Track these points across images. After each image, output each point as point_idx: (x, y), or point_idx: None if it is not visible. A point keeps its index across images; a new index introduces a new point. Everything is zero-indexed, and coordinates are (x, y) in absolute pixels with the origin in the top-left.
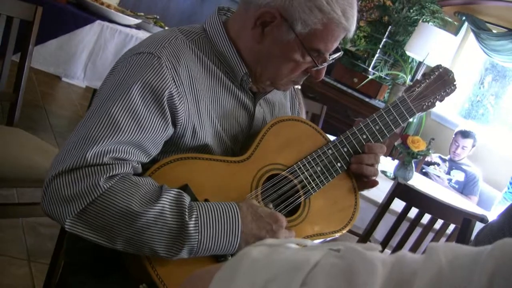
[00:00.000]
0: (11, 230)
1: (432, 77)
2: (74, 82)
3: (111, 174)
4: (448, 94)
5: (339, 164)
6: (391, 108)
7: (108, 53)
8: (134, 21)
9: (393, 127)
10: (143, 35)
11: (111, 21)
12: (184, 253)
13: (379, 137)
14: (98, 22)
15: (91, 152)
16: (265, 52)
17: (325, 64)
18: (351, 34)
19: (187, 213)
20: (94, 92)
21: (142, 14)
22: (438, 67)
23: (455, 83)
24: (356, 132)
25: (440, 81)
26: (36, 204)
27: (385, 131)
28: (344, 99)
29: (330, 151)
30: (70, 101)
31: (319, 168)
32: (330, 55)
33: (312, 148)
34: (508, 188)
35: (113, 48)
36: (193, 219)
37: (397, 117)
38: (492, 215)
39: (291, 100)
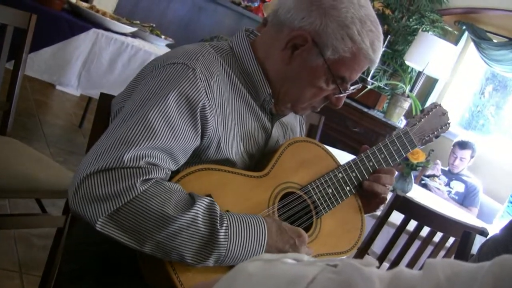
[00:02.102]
0: (2, 240)
1: (430, 113)
2: (68, 91)
3: (147, 177)
4: (443, 131)
5: (348, 188)
6: (395, 139)
7: (103, 61)
8: (129, 29)
9: (396, 157)
10: (138, 43)
11: (107, 29)
12: (211, 261)
13: (384, 165)
14: (93, 30)
15: (128, 154)
16: (292, 74)
17: (347, 93)
18: (374, 66)
19: (218, 221)
20: (89, 100)
21: (138, 22)
22: (435, 104)
23: (448, 121)
24: (364, 159)
25: (436, 119)
26: (29, 215)
27: (389, 160)
28: (343, 109)
29: (340, 174)
30: (64, 109)
31: (330, 190)
32: (350, 85)
33: (324, 170)
34: (511, 202)
35: (108, 56)
36: (223, 227)
37: (400, 148)
38: (493, 229)
39: (300, 125)
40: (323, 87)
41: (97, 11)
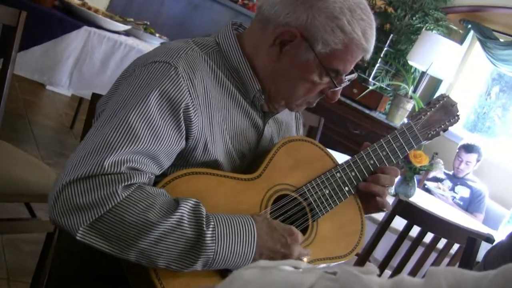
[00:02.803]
0: None
1: (437, 105)
2: (59, 91)
3: (128, 183)
4: (451, 124)
5: (346, 188)
6: (398, 135)
7: (95, 60)
8: (123, 27)
9: (399, 154)
10: (132, 42)
11: (99, 27)
12: (199, 265)
13: (386, 163)
14: (85, 28)
15: (109, 160)
16: (282, 71)
17: (342, 85)
18: (369, 55)
19: (204, 223)
20: (81, 101)
21: (132, 20)
22: (443, 96)
23: (458, 113)
24: (364, 157)
25: (444, 111)
26: (18, 220)
27: (391, 157)
28: (343, 111)
29: (338, 174)
30: (55, 110)
31: (327, 191)
32: (345, 76)
33: (321, 170)
34: None
35: (100, 55)
36: (210, 229)
37: (403, 144)
38: (500, 235)
39: (296, 120)
40: (317, 81)
41: (89, 8)
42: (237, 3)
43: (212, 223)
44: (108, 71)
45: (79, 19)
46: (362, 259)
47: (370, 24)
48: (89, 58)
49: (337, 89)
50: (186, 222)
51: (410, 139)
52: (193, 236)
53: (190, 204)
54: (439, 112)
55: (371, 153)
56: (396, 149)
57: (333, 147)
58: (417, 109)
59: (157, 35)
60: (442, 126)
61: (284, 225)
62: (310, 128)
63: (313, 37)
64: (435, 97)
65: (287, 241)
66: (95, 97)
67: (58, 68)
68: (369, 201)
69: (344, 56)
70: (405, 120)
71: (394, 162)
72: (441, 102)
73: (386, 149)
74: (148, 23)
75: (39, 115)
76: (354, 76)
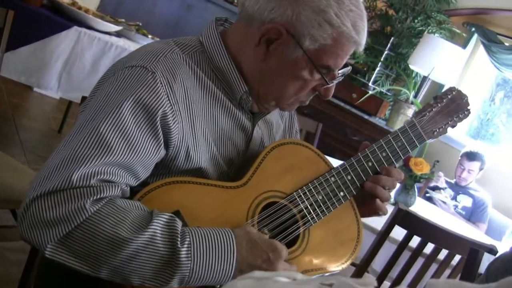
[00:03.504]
0: None
1: (444, 100)
2: (48, 93)
3: (98, 196)
4: (461, 120)
5: (342, 194)
6: (399, 134)
7: (85, 62)
8: (114, 28)
9: (401, 155)
10: (124, 43)
11: (89, 27)
12: (175, 283)
13: (386, 165)
14: (75, 28)
15: (77, 173)
16: (270, 71)
17: (335, 82)
18: (361, 48)
19: (179, 239)
20: (70, 104)
21: (123, 20)
22: (452, 89)
23: (468, 107)
24: (362, 159)
25: (453, 105)
26: (2, 227)
27: (392, 158)
28: (342, 116)
29: (333, 178)
30: (43, 114)
31: (320, 197)
32: (338, 70)
33: (314, 175)
34: None
35: (90, 57)
36: (185, 245)
37: (405, 143)
38: (503, 246)
39: (289, 120)
40: (308, 78)
41: (80, 8)
42: (233, 4)
43: (188, 239)
44: (99, 74)
45: (68, 19)
46: (360, 270)
47: (360, 15)
48: (79, 59)
49: (329, 85)
50: (159, 238)
51: (413, 137)
52: (166, 253)
53: (164, 219)
54: (447, 107)
55: (369, 154)
56: (398, 149)
57: (331, 154)
58: None
59: (149, 36)
60: (450, 122)
61: (266, 239)
62: (307, 134)
63: (299, 33)
64: (442, 91)
65: (270, 257)
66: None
67: (47, 70)
68: (366, 204)
69: (334, 51)
70: None
71: (395, 164)
72: (449, 96)
73: (386, 149)
74: (140, 23)
75: (26, 118)
76: (348, 69)
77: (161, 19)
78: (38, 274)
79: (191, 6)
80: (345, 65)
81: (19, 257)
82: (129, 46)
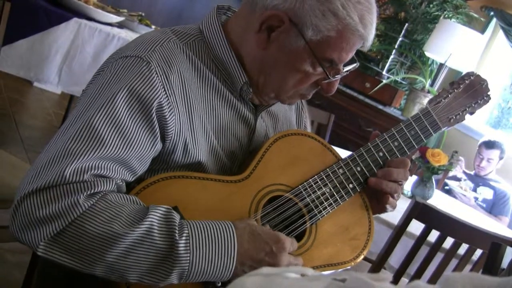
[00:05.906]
0: None
1: (462, 86)
2: (48, 88)
3: (92, 191)
4: (480, 106)
5: (351, 186)
6: (412, 122)
7: (86, 54)
8: (116, 18)
9: (414, 144)
10: (126, 34)
11: (90, 18)
12: (174, 277)
13: (398, 155)
14: (74, 19)
15: (70, 168)
16: (270, 60)
17: (338, 77)
18: (369, 43)
19: (177, 231)
20: (71, 99)
21: (125, 10)
22: (470, 74)
23: (488, 93)
24: (372, 148)
25: (471, 91)
26: (3, 228)
27: (405, 148)
28: (355, 107)
29: (341, 170)
30: (43, 109)
31: (328, 190)
32: (344, 66)
33: (321, 167)
34: None
35: (91, 50)
36: (183, 237)
37: (419, 132)
38: None
39: (297, 111)
40: (309, 71)
41: None
42: None
43: (186, 231)
44: None
45: (68, 10)
46: (377, 267)
47: (369, 8)
48: (79, 52)
49: (333, 80)
50: (156, 231)
51: (427, 125)
52: (164, 246)
53: (161, 212)
54: (465, 92)
55: (379, 144)
56: (410, 138)
57: (344, 145)
58: None
59: (153, 26)
60: (468, 109)
61: (269, 231)
62: (319, 126)
63: (302, 22)
64: (460, 76)
65: (273, 249)
66: None
67: (46, 63)
68: (379, 200)
69: (338, 44)
70: None
71: (408, 153)
72: (467, 81)
73: (399, 139)
74: (143, 14)
75: (25, 114)
76: (355, 65)
77: (164, 9)
78: (38, 274)
79: None
80: (353, 61)
81: (20, 259)
82: (132, 37)
